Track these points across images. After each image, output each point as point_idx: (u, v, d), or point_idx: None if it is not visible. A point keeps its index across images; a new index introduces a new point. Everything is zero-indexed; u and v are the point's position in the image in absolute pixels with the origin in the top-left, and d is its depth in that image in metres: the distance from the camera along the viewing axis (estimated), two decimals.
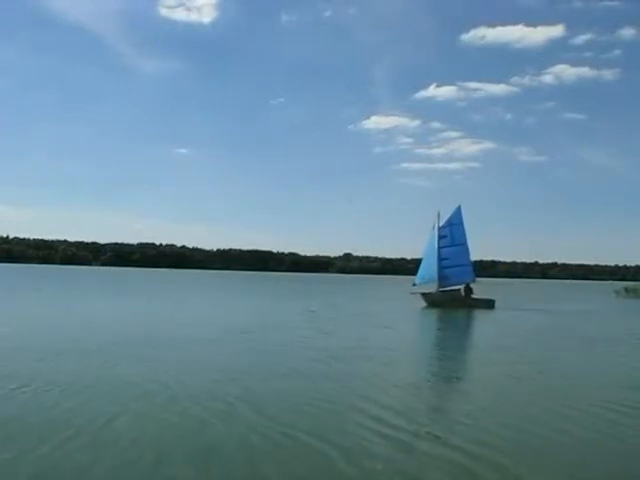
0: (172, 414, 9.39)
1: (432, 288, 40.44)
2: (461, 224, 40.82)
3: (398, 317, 33.23)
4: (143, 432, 8.46)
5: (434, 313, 35.44)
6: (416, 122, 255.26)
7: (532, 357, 18.05)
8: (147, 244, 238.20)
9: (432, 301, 39.23)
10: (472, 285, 39.91)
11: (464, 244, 40.74)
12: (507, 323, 31.05)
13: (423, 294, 40.22)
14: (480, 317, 33.46)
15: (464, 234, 40.79)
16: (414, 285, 41.31)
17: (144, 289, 62.27)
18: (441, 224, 40.64)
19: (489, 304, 39.24)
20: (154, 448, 7.68)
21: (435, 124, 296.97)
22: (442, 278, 40.27)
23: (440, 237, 40.57)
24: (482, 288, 43.12)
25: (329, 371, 13.95)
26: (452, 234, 40.61)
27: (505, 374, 14.45)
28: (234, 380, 12.30)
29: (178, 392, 11.01)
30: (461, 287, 39.71)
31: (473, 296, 39.57)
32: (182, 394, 10.85)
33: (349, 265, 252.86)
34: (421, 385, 13.04)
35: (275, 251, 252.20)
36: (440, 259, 40.35)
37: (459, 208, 41.24)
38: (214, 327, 23.96)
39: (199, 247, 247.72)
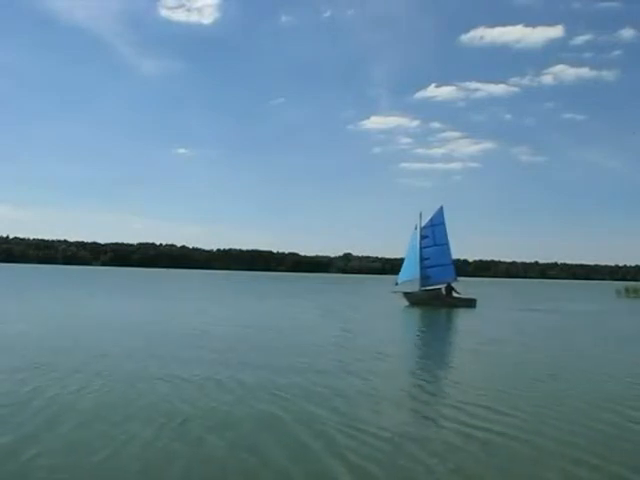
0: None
1: (414, 287, 40.88)
2: (443, 224, 41.27)
3: (390, 316, 33.97)
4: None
5: (415, 312, 35.85)
6: (416, 122, 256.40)
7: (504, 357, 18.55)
8: (147, 244, 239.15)
9: (414, 300, 39.66)
10: (454, 284, 40.29)
11: (446, 244, 41.19)
12: (488, 322, 31.27)
13: (405, 293, 40.74)
14: (461, 316, 33.82)
15: (446, 234, 41.24)
16: (396, 285, 41.78)
17: (155, 290, 61.98)
18: (423, 224, 41.13)
19: (470, 303, 39.62)
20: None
21: (435, 124, 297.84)
22: (424, 277, 40.71)
23: (422, 237, 41.03)
24: (478, 287, 43.32)
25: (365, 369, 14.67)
26: (434, 234, 41.06)
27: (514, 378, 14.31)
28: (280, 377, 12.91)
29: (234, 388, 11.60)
30: (442, 286, 40.10)
31: (455, 295, 39.96)
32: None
33: (349, 265, 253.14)
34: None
35: (275, 251, 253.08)
36: (422, 259, 40.79)
37: (441, 208, 41.68)
38: (249, 328, 24.22)
39: (199, 247, 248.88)
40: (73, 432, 8.34)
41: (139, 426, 8.64)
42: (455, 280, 40.80)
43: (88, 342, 17.80)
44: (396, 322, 31.63)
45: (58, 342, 17.81)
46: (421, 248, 40.87)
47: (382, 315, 34.04)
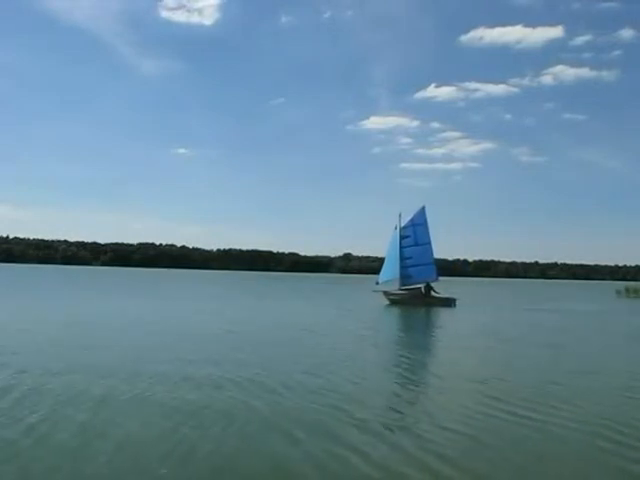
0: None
1: (394, 287, 41.14)
2: (425, 224, 41.52)
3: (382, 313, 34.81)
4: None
5: (396, 311, 36.22)
6: (416, 122, 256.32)
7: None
8: (147, 244, 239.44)
9: (394, 299, 39.98)
10: (433, 284, 40.50)
11: (428, 243, 41.43)
12: (460, 322, 31.55)
13: (385, 292, 41.00)
14: (438, 315, 34.04)
15: (428, 234, 41.52)
16: (377, 284, 42.08)
17: (163, 291, 61.53)
18: (403, 224, 41.39)
19: (449, 302, 39.81)
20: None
21: (435, 124, 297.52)
22: (404, 277, 41.02)
23: (403, 237, 41.28)
24: (468, 287, 43.35)
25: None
26: (415, 234, 41.29)
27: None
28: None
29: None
30: (422, 285, 40.32)
31: (434, 294, 40.17)
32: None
33: (349, 265, 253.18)
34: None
35: (275, 251, 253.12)
36: (403, 258, 41.03)
37: (423, 208, 41.96)
38: (282, 327, 24.90)
39: (199, 247, 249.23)
40: (140, 432, 8.43)
41: (203, 430, 8.62)
42: (436, 280, 41.02)
43: (118, 342, 18.06)
44: (386, 323, 31.80)
45: (86, 343, 17.72)
46: (402, 248, 41.14)
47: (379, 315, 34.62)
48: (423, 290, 40.13)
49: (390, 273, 41.87)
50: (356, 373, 13.76)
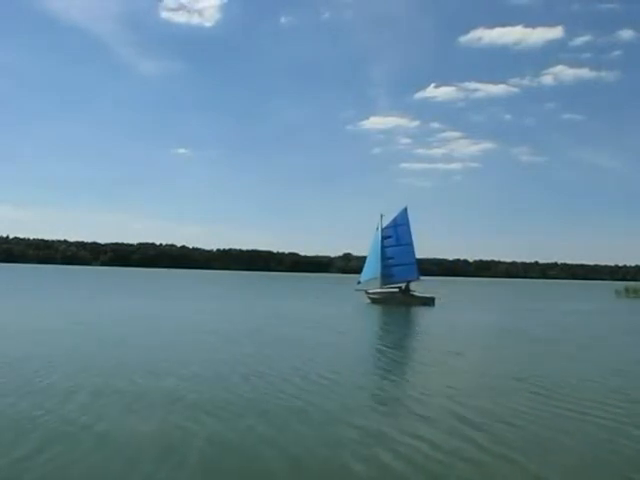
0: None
1: (376, 286, 41.50)
2: (406, 224, 41.93)
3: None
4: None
5: (376, 309, 36.73)
6: (415, 122, 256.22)
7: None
8: (147, 244, 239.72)
9: (374, 298, 40.45)
10: (412, 283, 41.01)
11: (409, 244, 41.82)
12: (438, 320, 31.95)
13: (367, 292, 41.34)
14: (417, 313, 34.62)
15: (410, 234, 41.94)
16: (359, 283, 42.48)
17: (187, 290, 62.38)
18: (385, 225, 41.78)
19: (428, 301, 40.20)
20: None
21: (434, 124, 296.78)
22: (386, 276, 41.49)
23: (385, 237, 41.70)
24: (469, 287, 43.39)
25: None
26: (397, 234, 41.70)
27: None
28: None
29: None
30: (402, 285, 40.69)
31: (414, 294, 40.54)
32: None
33: (349, 265, 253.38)
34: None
35: (275, 251, 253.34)
36: (385, 258, 41.45)
37: (405, 209, 42.43)
38: (278, 326, 25.93)
39: (199, 247, 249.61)
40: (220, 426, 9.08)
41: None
42: (417, 279, 41.44)
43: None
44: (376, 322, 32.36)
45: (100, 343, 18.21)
46: (383, 247, 41.55)
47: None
48: (403, 289, 40.52)
49: (371, 272, 42.38)
50: (353, 372, 14.42)
